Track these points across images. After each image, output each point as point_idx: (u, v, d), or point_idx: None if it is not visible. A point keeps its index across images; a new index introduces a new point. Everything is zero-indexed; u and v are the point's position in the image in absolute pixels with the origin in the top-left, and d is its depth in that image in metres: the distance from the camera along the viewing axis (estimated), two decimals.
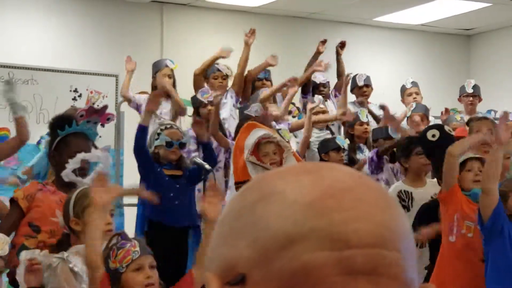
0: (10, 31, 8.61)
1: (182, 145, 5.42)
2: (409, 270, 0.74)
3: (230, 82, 6.90)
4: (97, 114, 5.18)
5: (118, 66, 8.02)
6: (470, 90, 7.45)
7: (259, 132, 5.53)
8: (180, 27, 9.47)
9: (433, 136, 5.29)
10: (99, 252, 3.26)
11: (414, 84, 7.49)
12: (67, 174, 4.05)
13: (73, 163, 4.08)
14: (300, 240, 0.72)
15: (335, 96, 7.40)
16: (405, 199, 5.38)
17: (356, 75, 7.50)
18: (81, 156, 4.12)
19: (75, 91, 6.74)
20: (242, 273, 0.74)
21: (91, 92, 6.78)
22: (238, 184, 5.43)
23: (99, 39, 9.02)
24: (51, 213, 3.98)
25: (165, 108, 6.43)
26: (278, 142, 5.44)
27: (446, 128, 5.41)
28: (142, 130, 5.26)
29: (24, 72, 6.78)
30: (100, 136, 5.75)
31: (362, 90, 7.46)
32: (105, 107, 5.27)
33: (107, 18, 9.12)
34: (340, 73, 7.48)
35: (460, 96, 7.58)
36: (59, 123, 4.26)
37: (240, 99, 6.86)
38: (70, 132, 4.21)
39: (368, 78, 7.51)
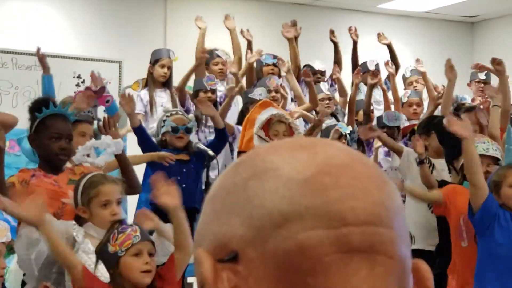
0: (13, 17, 8.60)
1: (188, 130, 5.45)
2: (402, 247, 0.74)
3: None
4: (95, 96, 5.18)
5: (121, 52, 8.03)
6: (482, 77, 7.44)
7: (273, 111, 5.62)
8: (184, 14, 9.45)
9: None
10: (69, 251, 3.41)
11: (414, 72, 7.52)
12: (78, 159, 4.07)
13: (83, 150, 4.10)
14: (296, 219, 0.71)
15: (331, 85, 7.42)
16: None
17: (367, 61, 7.58)
18: (91, 143, 4.14)
19: (79, 77, 6.76)
20: (235, 251, 0.73)
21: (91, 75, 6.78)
22: (241, 153, 5.56)
23: (103, 25, 9.01)
24: (49, 195, 3.99)
25: (163, 98, 6.43)
26: (290, 123, 5.49)
27: (462, 116, 5.47)
28: (135, 132, 5.39)
29: (27, 58, 6.79)
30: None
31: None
32: (103, 88, 5.26)
33: (111, 4, 9.10)
34: (337, 60, 7.53)
35: (470, 81, 7.58)
36: (36, 106, 4.25)
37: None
38: (48, 114, 4.20)
39: (378, 64, 7.57)
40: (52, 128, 4.15)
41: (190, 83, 6.79)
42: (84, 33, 8.86)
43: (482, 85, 7.40)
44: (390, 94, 7.50)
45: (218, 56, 6.90)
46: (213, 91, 6.30)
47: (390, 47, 7.81)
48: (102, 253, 3.34)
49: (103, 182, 3.75)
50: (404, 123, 6.72)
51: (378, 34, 7.86)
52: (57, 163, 4.13)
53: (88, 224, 3.68)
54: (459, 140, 4.41)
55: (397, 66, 7.63)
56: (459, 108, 6.19)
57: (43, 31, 8.66)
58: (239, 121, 6.17)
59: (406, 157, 5.55)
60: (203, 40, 7.02)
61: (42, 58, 5.73)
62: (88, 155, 4.18)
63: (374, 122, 6.66)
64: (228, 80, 6.82)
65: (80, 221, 3.73)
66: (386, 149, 6.30)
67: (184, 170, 5.37)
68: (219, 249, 0.74)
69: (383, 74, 7.70)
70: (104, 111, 5.59)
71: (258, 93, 6.22)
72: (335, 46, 7.61)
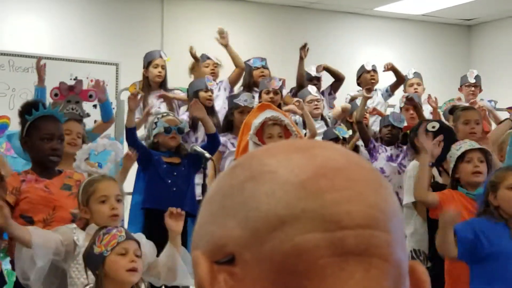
0: (10, 19, 8.61)
1: (180, 131, 5.42)
2: (398, 250, 0.74)
3: (220, 71, 6.95)
4: (73, 92, 5.15)
5: (118, 54, 8.05)
6: (472, 80, 7.45)
7: (269, 113, 5.47)
8: (180, 16, 9.47)
9: (433, 127, 5.32)
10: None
11: (416, 75, 7.50)
12: (78, 166, 4.06)
13: (81, 154, 4.08)
14: (292, 222, 0.71)
15: (329, 94, 7.43)
16: None
17: (364, 63, 7.56)
18: (88, 146, 4.13)
19: (76, 79, 6.74)
20: (231, 253, 0.73)
21: (91, 81, 6.77)
22: None
23: (100, 28, 9.02)
24: (39, 201, 4.01)
25: (159, 101, 6.43)
26: (286, 125, 5.39)
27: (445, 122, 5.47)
28: (127, 132, 5.31)
29: (24, 60, 6.79)
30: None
31: (370, 74, 7.43)
32: (79, 81, 5.19)
33: (108, 6, 9.12)
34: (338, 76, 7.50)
35: (461, 86, 7.58)
36: (26, 109, 4.25)
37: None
38: (39, 116, 4.19)
39: (375, 65, 7.52)
40: (44, 129, 4.15)
41: (185, 85, 6.80)
42: (81, 36, 8.86)
43: (473, 88, 7.41)
44: (391, 101, 7.50)
45: (208, 58, 6.91)
46: (212, 92, 6.30)
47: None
48: (88, 257, 3.33)
49: (100, 179, 3.77)
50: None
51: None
52: (49, 164, 4.14)
53: (91, 225, 3.65)
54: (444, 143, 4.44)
55: (401, 79, 7.46)
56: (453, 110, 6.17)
57: (40, 33, 8.67)
58: (225, 128, 6.15)
59: (411, 170, 5.49)
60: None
61: (40, 69, 5.66)
62: (87, 159, 4.17)
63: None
64: (221, 86, 6.83)
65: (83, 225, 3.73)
66: (388, 153, 6.23)
67: (175, 173, 5.33)
68: (216, 251, 0.75)
69: (381, 74, 7.68)
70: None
71: (243, 99, 6.18)
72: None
